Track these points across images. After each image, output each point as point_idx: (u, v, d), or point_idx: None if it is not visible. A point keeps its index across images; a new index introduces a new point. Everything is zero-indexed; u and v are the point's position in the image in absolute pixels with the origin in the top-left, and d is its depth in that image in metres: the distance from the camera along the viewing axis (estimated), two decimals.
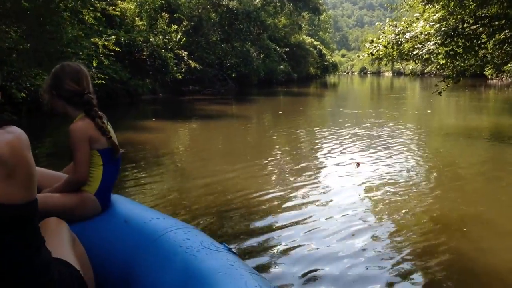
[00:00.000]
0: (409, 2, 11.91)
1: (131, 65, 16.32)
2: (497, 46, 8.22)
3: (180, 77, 18.41)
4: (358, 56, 11.78)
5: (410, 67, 60.62)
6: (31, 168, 1.18)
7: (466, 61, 8.29)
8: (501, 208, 4.16)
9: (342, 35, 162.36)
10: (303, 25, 45.02)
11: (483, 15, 7.77)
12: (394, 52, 8.60)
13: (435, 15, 8.00)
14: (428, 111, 14.33)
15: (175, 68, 17.82)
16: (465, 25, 7.79)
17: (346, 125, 10.07)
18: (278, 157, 6.65)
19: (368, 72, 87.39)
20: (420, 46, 8.15)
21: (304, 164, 6.01)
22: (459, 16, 7.80)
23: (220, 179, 5.09)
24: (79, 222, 1.90)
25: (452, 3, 7.75)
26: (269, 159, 6.32)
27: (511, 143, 7.49)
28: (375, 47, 8.74)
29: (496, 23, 7.91)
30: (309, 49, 43.43)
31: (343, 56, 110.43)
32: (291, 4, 38.90)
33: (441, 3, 7.72)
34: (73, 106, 1.99)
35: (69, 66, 2.02)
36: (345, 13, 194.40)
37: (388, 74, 79.65)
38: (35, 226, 1.25)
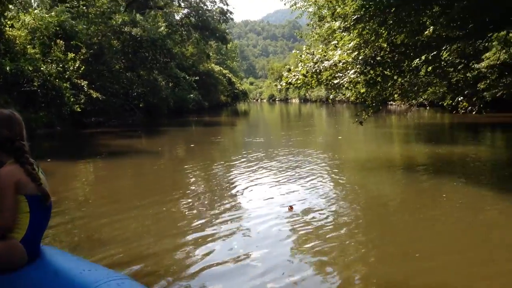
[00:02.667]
0: (318, 32, 11.89)
1: (21, 97, 14.43)
2: (412, 73, 8.23)
3: (79, 109, 16.69)
4: (277, 85, 11.38)
5: (316, 94, 63.91)
6: None
7: (386, 90, 8.20)
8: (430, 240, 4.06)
9: (249, 64, 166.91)
10: (211, 54, 45.01)
11: (399, 43, 7.73)
12: (313, 81, 8.27)
13: (350, 43, 7.82)
14: (339, 137, 14.49)
15: (73, 99, 16.09)
16: (382, 53, 7.69)
17: (261, 156, 9.59)
18: (196, 196, 5.97)
19: (277, 99, 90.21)
20: (340, 75, 7.90)
21: (224, 202, 5.60)
22: (376, 44, 7.68)
23: (133, 221, 4.75)
24: (7, 273, 1.85)
25: (366, 31, 7.62)
26: (185, 199, 5.78)
27: (422, 171, 7.42)
28: (294, 76, 8.34)
29: (407, 51, 7.94)
30: (218, 77, 43.54)
31: (251, 83, 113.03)
32: (198, 33, 38.67)
33: (356, 32, 7.53)
34: (5, 152, 1.99)
35: (1, 113, 2.02)
36: (250, 43, 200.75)
37: (295, 101, 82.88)
38: None
